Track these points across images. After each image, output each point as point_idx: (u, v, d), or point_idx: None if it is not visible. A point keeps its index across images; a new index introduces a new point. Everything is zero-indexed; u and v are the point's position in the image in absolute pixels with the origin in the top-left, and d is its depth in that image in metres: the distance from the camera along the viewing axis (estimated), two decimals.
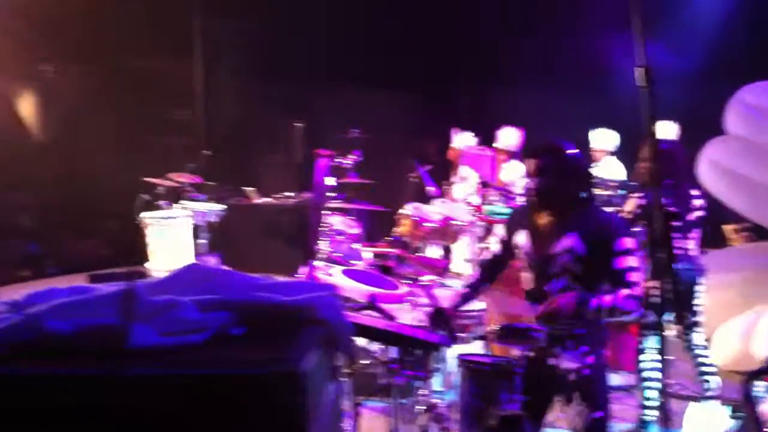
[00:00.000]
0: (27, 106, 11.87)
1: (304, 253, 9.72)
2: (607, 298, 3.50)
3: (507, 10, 10.85)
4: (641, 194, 5.35)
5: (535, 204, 3.78)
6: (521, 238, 3.84)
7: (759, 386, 4.14)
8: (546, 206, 3.74)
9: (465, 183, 9.16)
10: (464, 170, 9.18)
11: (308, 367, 1.88)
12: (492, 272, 4.16)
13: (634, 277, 3.52)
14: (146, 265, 8.73)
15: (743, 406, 3.77)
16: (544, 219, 3.76)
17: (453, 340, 4.30)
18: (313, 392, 1.92)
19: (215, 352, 1.94)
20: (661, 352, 3.34)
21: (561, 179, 3.66)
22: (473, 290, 4.21)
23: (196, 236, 9.62)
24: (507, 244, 3.97)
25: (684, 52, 10.04)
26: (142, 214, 9.06)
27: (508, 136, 8.88)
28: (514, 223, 3.99)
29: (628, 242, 3.58)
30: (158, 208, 9.48)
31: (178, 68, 12.17)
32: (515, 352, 4.02)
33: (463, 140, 9.14)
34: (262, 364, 1.82)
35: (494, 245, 4.14)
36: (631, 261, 3.54)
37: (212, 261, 9.58)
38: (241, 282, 2.38)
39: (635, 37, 2.82)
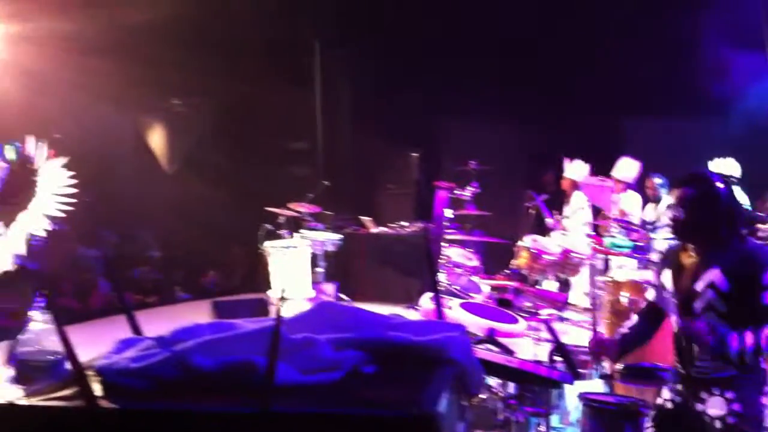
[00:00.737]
0: (156, 139, 12.51)
1: (420, 284, 9.79)
2: (750, 339, 3.20)
3: (623, 37, 10.67)
4: None
5: (680, 238, 3.63)
6: (666, 278, 3.68)
7: None
8: (686, 239, 3.57)
9: (580, 213, 9.02)
10: (578, 200, 9.04)
11: (443, 408, 1.90)
12: (652, 321, 3.91)
13: None
14: (268, 293, 8.97)
15: None
16: (689, 255, 3.58)
17: (575, 377, 4.17)
18: None
19: (352, 391, 1.99)
20: None
21: (702, 211, 3.43)
22: (635, 338, 3.86)
23: (314, 265, 9.81)
24: (660, 288, 3.77)
25: None
26: (265, 243, 9.31)
27: (627, 167, 8.71)
28: (663, 263, 3.80)
29: None
30: (280, 237, 9.73)
31: (298, 99, 12.51)
32: (642, 392, 3.90)
33: (575, 169, 9.02)
34: (399, 405, 1.85)
35: (649, 293, 3.94)
36: None
37: (329, 289, 9.75)
38: (372, 321, 2.42)
39: None
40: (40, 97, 9.89)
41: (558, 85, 10.82)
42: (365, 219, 11.23)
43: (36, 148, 4.50)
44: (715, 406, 3.37)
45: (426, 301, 5.93)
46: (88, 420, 1.83)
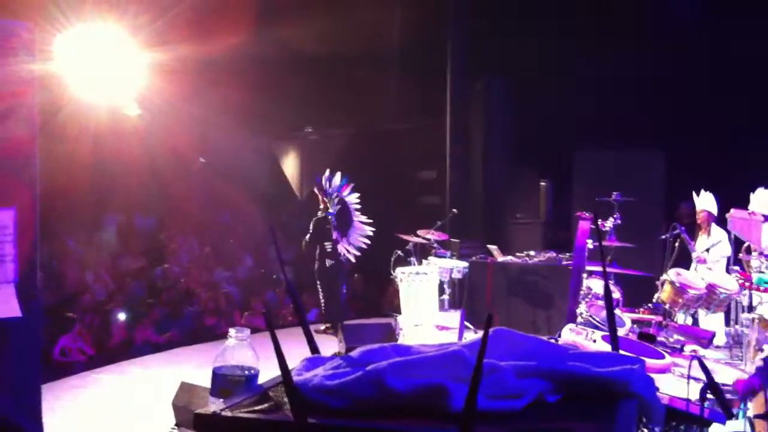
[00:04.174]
0: (289, 165, 12.91)
1: (549, 313, 9.66)
2: None
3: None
4: None
5: None
6: None
7: None
8: None
9: (718, 247, 8.69)
10: (717, 234, 8.73)
11: None
12: None
13: None
14: (398, 318, 9.06)
15: None
16: None
17: (728, 416, 4.03)
18: None
19: (539, 420, 2.00)
20: None
21: None
22: None
23: (440, 292, 9.84)
24: None
25: None
26: (397, 270, 9.43)
27: (763, 198, 8.34)
28: None
29: None
30: (408, 263, 9.84)
31: (429, 129, 12.64)
32: None
33: (705, 201, 8.72)
34: None
35: None
36: None
37: (456, 316, 9.74)
38: (551, 350, 2.43)
39: None
40: (183, 122, 10.38)
41: (697, 114, 10.55)
42: (492, 247, 11.18)
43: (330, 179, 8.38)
44: None
45: (567, 332, 5.83)
46: None
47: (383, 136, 12.53)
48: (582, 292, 7.06)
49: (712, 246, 8.72)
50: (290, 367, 2.22)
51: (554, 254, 10.53)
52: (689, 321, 7.72)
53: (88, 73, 8.69)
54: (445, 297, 10.07)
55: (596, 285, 7.18)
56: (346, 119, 12.30)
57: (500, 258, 11.01)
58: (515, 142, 12.26)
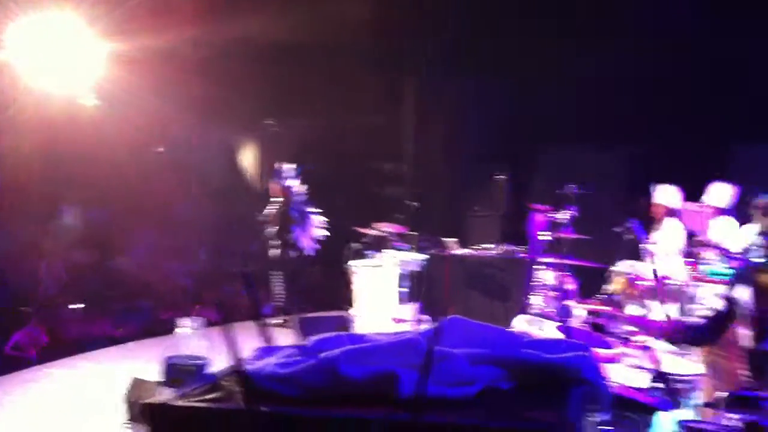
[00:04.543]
0: (247, 156, 12.84)
1: (506, 306, 9.74)
2: None
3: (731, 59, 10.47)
4: None
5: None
6: (743, 294, 3.71)
7: None
8: None
9: (671, 240, 8.83)
10: (670, 227, 8.87)
11: (587, 427, 1.92)
12: (715, 330, 4.00)
13: None
14: (350, 311, 9.07)
15: None
16: None
17: (675, 404, 4.14)
18: None
19: (493, 406, 2.03)
20: None
21: None
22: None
23: (398, 284, 9.86)
24: (730, 302, 3.83)
25: None
26: (350, 262, 9.45)
27: (720, 192, 8.51)
28: (738, 280, 3.85)
29: None
30: (364, 256, 9.85)
31: (390, 121, 12.65)
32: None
33: (665, 195, 8.86)
34: (546, 422, 1.88)
35: (717, 302, 4.00)
36: None
37: (413, 309, 9.78)
38: (504, 337, 2.46)
39: None
40: (141, 113, 10.27)
41: (654, 108, 10.67)
42: (448, 240, 11.21)
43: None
44: None
45: (519, 322, 5.91)
46: (246, 422, 1.90)
47: (344, 128, 12.51)
48: (536, 284, 7.14)
49: (661, 240, 8.85)
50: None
51: (511, 247, 10.59)
52: (641, 312, 7.84)
53: (42, 63, 8.54)
54: (403, 290, 10.09)
55: (550, 276, 7.26)
56: (306, 111, 12.28)
57: (456, 251, 11.03)
58: (478, 137, 12.30)
